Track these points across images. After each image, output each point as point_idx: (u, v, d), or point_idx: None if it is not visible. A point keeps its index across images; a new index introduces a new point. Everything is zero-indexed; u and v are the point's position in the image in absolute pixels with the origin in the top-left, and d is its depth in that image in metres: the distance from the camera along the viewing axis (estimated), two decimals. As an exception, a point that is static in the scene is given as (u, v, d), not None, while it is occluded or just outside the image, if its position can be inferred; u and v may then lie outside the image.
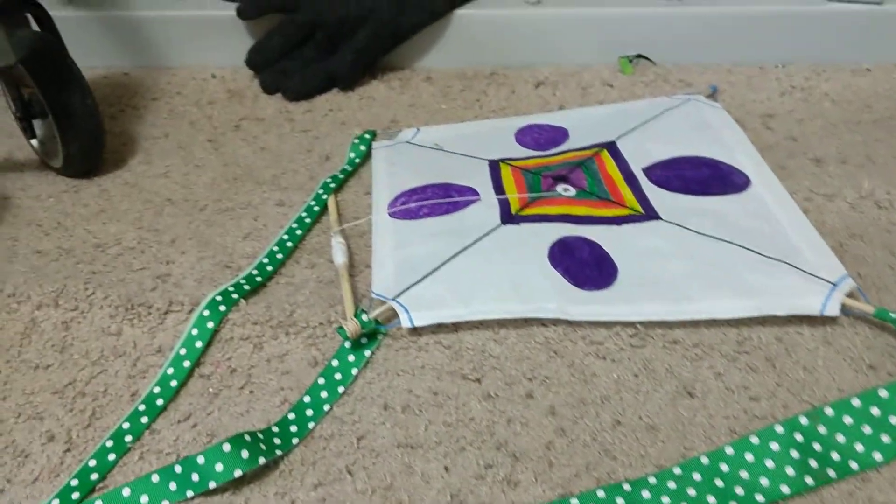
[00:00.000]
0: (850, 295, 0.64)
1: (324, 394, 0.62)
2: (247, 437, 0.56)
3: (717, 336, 0.64)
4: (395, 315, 0.66)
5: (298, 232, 0.77)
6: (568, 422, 0.58)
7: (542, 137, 0.88)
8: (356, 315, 0.65)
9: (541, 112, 0.95)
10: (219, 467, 0.55)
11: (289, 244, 0.76)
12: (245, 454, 0.55)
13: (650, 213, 0.74)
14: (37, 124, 0.89)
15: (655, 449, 0.56)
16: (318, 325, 0.67)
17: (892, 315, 0.61)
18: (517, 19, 1.02)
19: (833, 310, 0.62)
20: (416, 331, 0.66)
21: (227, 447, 0.55)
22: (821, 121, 0.90)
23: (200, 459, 0.55)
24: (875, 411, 0.55)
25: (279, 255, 0.75)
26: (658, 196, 0.76)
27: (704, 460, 0.54)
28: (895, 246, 0.71)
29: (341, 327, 0.63)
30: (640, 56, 1.02)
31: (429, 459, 0.56)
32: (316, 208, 0.80)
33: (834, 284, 0.64)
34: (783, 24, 0.98)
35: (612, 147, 0.84)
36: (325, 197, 0.82)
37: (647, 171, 0.79)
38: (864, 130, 0.88)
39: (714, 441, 0.56)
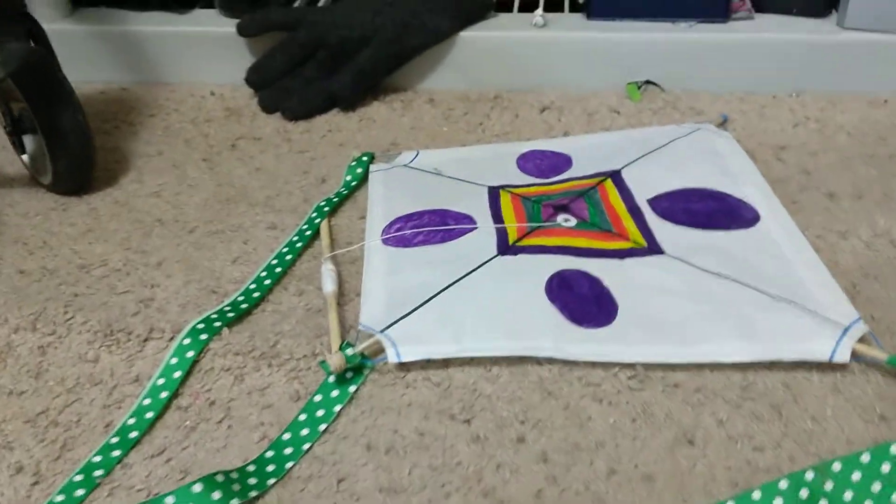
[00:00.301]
0: (863, 340, 0.61)
1: (304, 431, 0.59)
2: (219, 477, 0.53)
3: (720, 380, 0.60)
4: (382, 349, 0.63)
5: (289, 257, 0.75)
6: (560, 469, 0.55)
7: (545, 164, 0.85)
8: (342, 348, 0.62)
9: (545, 138, 0.92)
10: (188, 509, 0.52)
11: (278, 270, 0.73)
12: (217, 495, 0.52)
13: (654, 247, 0.71)
14: (28, 139, 0.87)
15: (651, 500, 0.53)
16: (302, 357, 0.64)
17: (907, 363, 0.58)
18: (522, 42, 1.00)
19: (843, 356, 0.59)
20: (404, 366, 0.63)
21: (197, 488, 0.52)
22: (835, 154, 0.87)
23: (170, 500, 0.52)
24: (885, 468, 0.52)
25: (267, 281, 0.72)
26: (663, 229, 0.73)
27: (704, 516, 0.51)
28: (911, 288, 0.68)
29: (324, 361, 0.60)
30: (648, 82, 0.99)
31: (412, 506, 0.53)
32: (308, 232, 0.78)
33: (845, 328, 0.61)
34: (798, 52, 0.96)
35: (616, 176, 0.81)
36: (318, 221, 0.79)
37: (652, 203, 0.76)
38: (881, 165, 0.84)
39: (714, 494, 0.53)
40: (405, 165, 0.87)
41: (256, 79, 1.02)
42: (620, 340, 0.62)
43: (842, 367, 0.60)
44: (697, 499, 0.52)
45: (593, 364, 0.62)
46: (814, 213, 0.77)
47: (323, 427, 0.59)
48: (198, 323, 0.66)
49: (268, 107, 1.01)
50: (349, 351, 0.61)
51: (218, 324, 0.67)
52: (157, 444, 0.58)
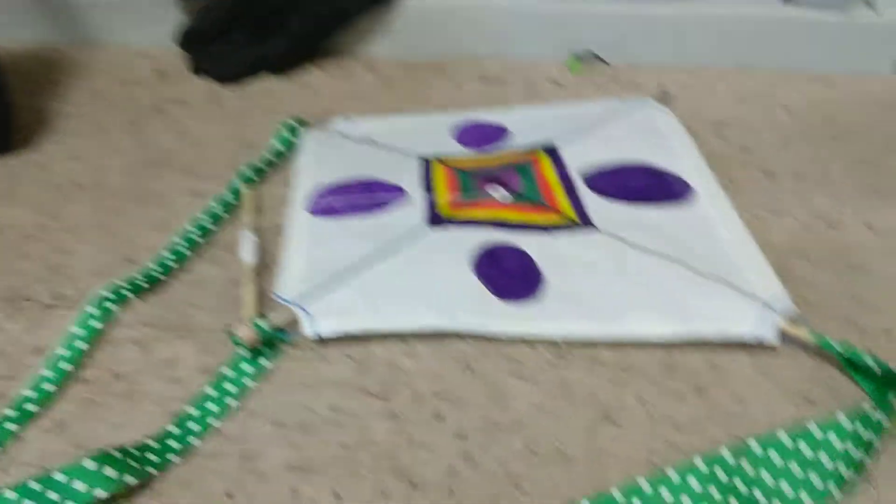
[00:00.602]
0: (793, 321, 0.59)
1: (212, 406, 0.56)
2: (115, 453, 0.50)
3: (644, 359, 0.59)
4: (299, 322, 0.60)
5: (209, 225, 0.72)
6: (477, 447, 0.53)
7: (481, 135, 0.83)
8: (255, 321, 0.59)
9: (484, 108, 0.89)
10: (79, 486, 0.49)
11: (197, 238, 0.70)
12: (110, 472, 0.49)
13: (585, 223, 0.69)
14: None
15: (568, 481, 0.51)
16: (215, 330, 0.61)
17: (836, 346, 0.56)
18: (466, 9, 0.97)
19: (771, 337, 0.58)
20: (321, 340, 0.60)
21: (89, 464, 0.49)
22: (777, 132, 0.85)
23: (59, 476, 0.49)
24: (805, 449, 0.51)
25: (184, 250, 0.69)
26: (595, 204, 0.71)
27: (617, 496, 0.49)
28: (845, 270, 0.67)
29: (234, 334, 0.58)
30: (591, 55, 0.97)
31: (319, 485, 0.51)
32: (231, 200, 0.74)
33: (774, 309, 0.59)
34: (744, 27, 0.94)
35: (552, 150, 0.79)
36: (241, 188, 0.76)
37: (587, 178, 0.74)
38: (822, 144, 0.83)
39: (632, 475, 0.51)
40: (338, 133, 0.84)
41: (189, 40, 0.97)
42: (545, 316, 0.60)
43: (770, 349, 0.59)
44: (615, 479, 0.51)
45: (517, 340, 0.60)
46: (751, 192, 0.75)
47: (232, 402, 0.56)
48: (106, 292, 0.63)
49: (199, 69, 0.97)
50: (262, 324, 0.59)
51: (128, 293, 0.64)
52: (55, 418, 0.56)
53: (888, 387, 0.54)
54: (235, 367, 0.58)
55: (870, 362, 0.55)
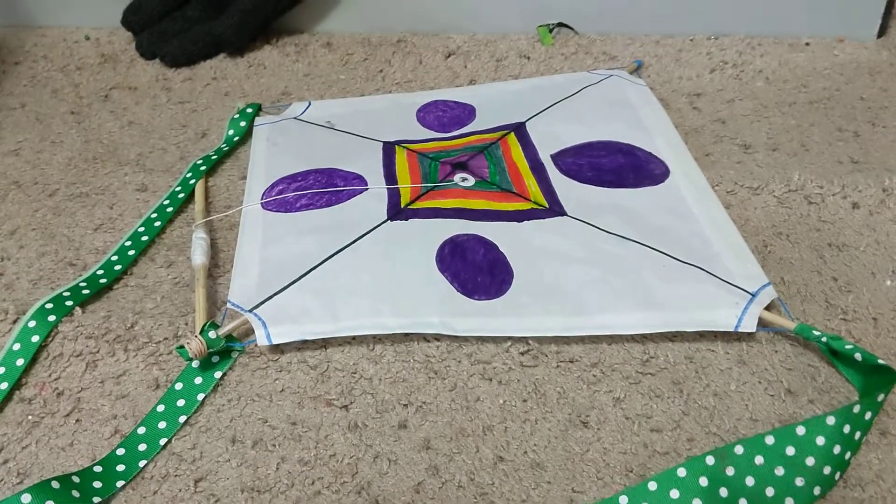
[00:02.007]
0: (771, 306, 0.57)
1: (162, 424, 0.53)
2: (54, 484, 0.47)
3: (619, 354, 0.56)
4: (253, 329, 0.56)
5: (158, 223, 0.68)
6: (443, 458, 0.50)
7: (447, 116, 0.79)
8: (204, 330, 0.55)
9: (449, 86, 0.85)
10: (16, 523, 0.46)
11: (144, 238, 0.66)
12: (49, 506, 0.46)
13: (555, 208, 0.65)
14: None
15: (540, 492, 0.48)
16: (163, 340, 0.58)
17: (815, 332, 0.54)
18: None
19: (749, 325, 0.55)
20: (277, 348, 0.57)
21: (25, 498, 0.46)
22: (752, 101, 0.82)
23: (-7, 514, 0.46)
24: (790, 451, 0.48)
25: (131, 252, 0.65)
26: (566, 187, 0.67)
27: (594, 512, 0.47)
28: (824, 248, 0.64)
29: (182, 346, 0.54)
30: (561, 25, 0.92)
31: (276, 507, 0.48)
32: (181, 195, 0.70)
33: (752, 295, 0.57)
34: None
35: (520, 129, 0.75)
36: (192, 182, 0.71)
37: (556, 158, 0.71)
38: (799, 113, 0.80)
39: (607, 482, 0.49)
40: (294, 118, 0.79)
41: (134, 20, 0.92)
42: (513, 312, 0.57)
43: (748, 337, 0.56)
44: (589, 489, 0.48)
45: (484, 339, 0.57)
46: (727, 167, 0.72)
47: (183, 419, 0.53)
48: (46, 302, 0.59)
49: (146, 52, 0.92)
50: (213, 333, 0.55)
51: (70, 302, 0.60)
52: (-7, 442, 0.52)
53: (875, 380, 0.52)
54: (186, 381, 0.55)
55: (855, 355, 0.52)
